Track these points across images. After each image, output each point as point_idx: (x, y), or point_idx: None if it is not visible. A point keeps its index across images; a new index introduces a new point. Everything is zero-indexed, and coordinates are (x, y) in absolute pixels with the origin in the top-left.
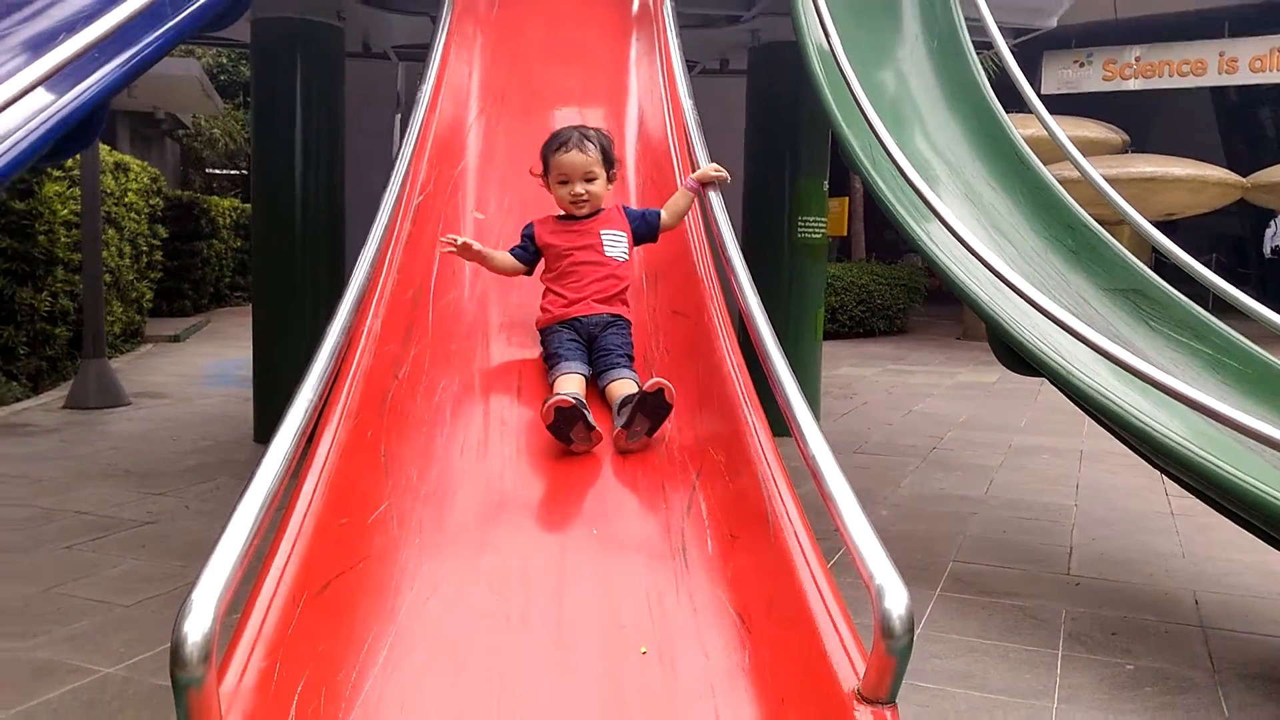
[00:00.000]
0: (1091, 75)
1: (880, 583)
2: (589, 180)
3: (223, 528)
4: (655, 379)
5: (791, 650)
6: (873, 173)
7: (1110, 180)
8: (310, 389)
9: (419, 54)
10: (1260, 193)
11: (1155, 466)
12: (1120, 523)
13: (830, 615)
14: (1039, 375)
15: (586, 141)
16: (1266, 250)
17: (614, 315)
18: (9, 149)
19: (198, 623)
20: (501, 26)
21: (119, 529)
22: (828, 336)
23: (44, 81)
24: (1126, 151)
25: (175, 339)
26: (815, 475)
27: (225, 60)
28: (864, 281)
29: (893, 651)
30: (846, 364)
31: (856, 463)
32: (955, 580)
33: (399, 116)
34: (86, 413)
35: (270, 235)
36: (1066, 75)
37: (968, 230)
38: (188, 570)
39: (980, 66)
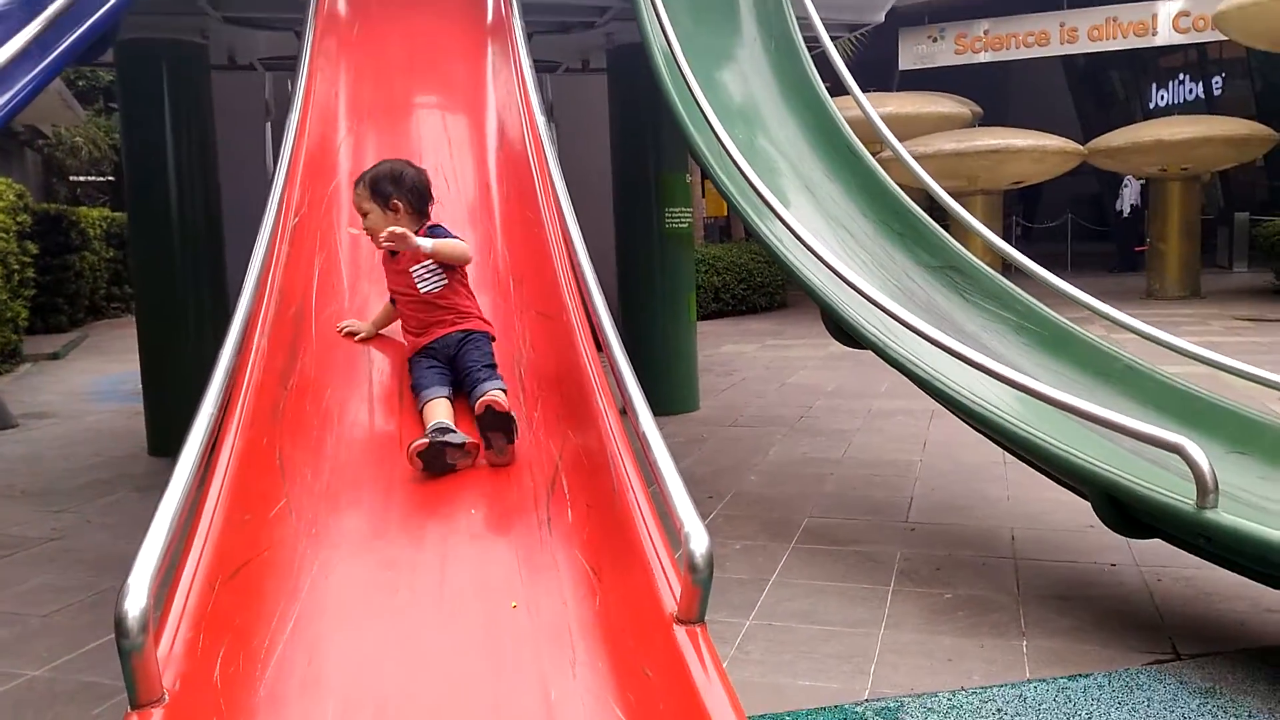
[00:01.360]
0: (945, 50)
1: (688, 530)
2: (365, 216)
3: (147, 525)
4: (483, 398)
5: (631, 592)
6: (719, 171)
7: (959, 154)
8: (210, 403)
9: (284, 64)
10: (1101, 157)
11: (969, 424)
12: (957, 474)
13: (660, 561)
14: (864, 349)
15: (355, 185)
16: (1122, 209)
17: (465, 331)
18: None
19: (135, 599)
20: (363, 44)
21: (24, 547)
22: (712, 316)
23: None
24: (976, 124)
25: (55, 356)
26: (644, 447)
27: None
28: (744, 261)
29: (697, 582)
30: (729, 341)
31: (731, 435)
32: (808, 534)
33: (269, 124)
34: None
35: (150, 252)
36: (921, 51)
37: (800, 224)
38: (99, 580)
39: (813, 65)
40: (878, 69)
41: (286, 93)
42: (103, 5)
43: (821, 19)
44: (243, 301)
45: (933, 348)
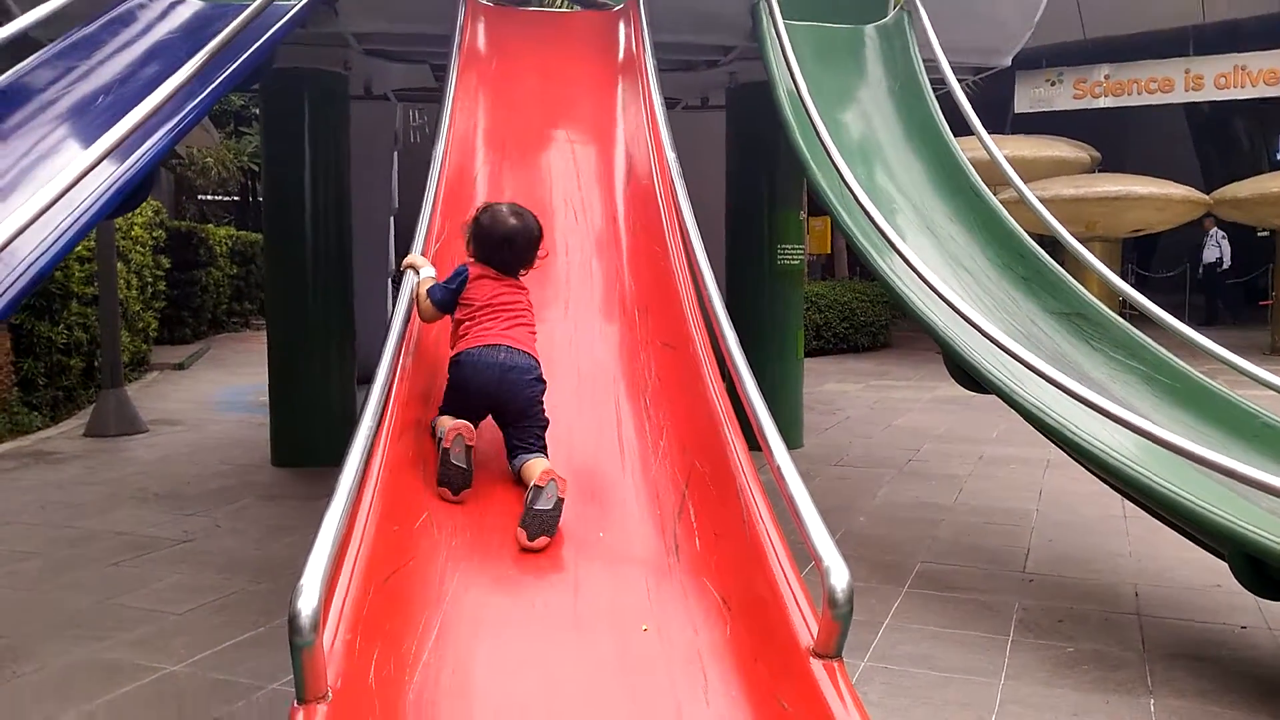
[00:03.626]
0: (1062, 94)
1: (828, 564)
2: None
3: (315, 532)
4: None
5: (762, 622)
6: (839, 209)
7: (1078, 199)
8: (370, 416)
9: (415, 95)
10: (1226, 207)
11: (1096, 475)
12: (1076, 526)
13: (793, 593)
14: (988, 393)
15: None
16: (1222, 261)
17: None
18: (80, 216)
19: (308, 599)
20: (501, 79)
21: (158, 547)
22: (813, 353)
23: (107, 156)
24: (1095, 170)
25: (180, 366)
26: (780, 482)
27: None
28: (847, 299)
29: (837, 617)
30: (831, 380)
31: (837, 474)
32: (921, 578)
33: (397, 151)
34: (107, 440)
35: (283, 271)
36: (1038, 94)
37: (922, 262)
38: (229, 582)
39: (938, 107)
40: (991, 111)
41: (411, 122)
42: (260, 38)
43: (929, 62)
44: (395, 323)
45: (1059, 394)
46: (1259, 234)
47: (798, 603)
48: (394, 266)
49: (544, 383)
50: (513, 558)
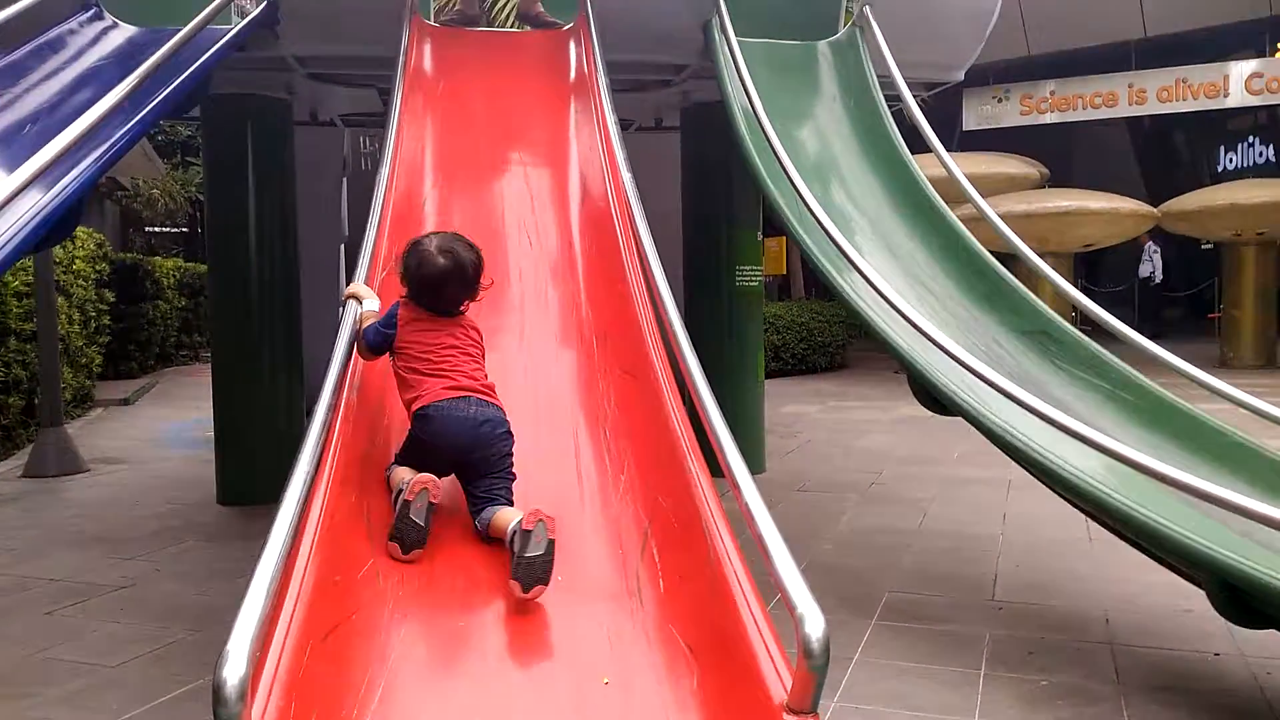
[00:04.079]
0: (1009, 110)
1: (802, 611)
2: None
3: (246, 586)
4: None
5: (732, 673)
6: (798, 227)
7: (1029, 215)
8: (307, 460)
9: (363, 120)
10: (1173, 220)
11: (1063, 498)
12: (1041, 550)
13: (764, 642)
14: (953, 415)
15: None
16: (1153, 277)
17: None
18: (4, 246)
19: (234, 668)
20: (448, 100)
21: (95, 594)
22: (771, 375)
23: (27, 185)
24: (1045, 185)
25: (125, 402)
26: (749, 522)
27: (161, 123)
28: (805, 319)
29: (813, 669)
30: (790, 402)
31: (800, 500)
32: (890, 610)
33: (345, 178)
34: (46, 480)
35: (227, 302)
36: (986, 111)
37: (885, 281)
38: (167, 631)
39: (894, 123)
40: (939, 128)
41: (362, 149)
42: (193, 63)
43: (884, 78)
44: (336, 356)
45: (1025, 415)
46: (1203, 245)
47: (769, 651)
48: (343, 294)
49: (513, 436)
50: (462, 606)
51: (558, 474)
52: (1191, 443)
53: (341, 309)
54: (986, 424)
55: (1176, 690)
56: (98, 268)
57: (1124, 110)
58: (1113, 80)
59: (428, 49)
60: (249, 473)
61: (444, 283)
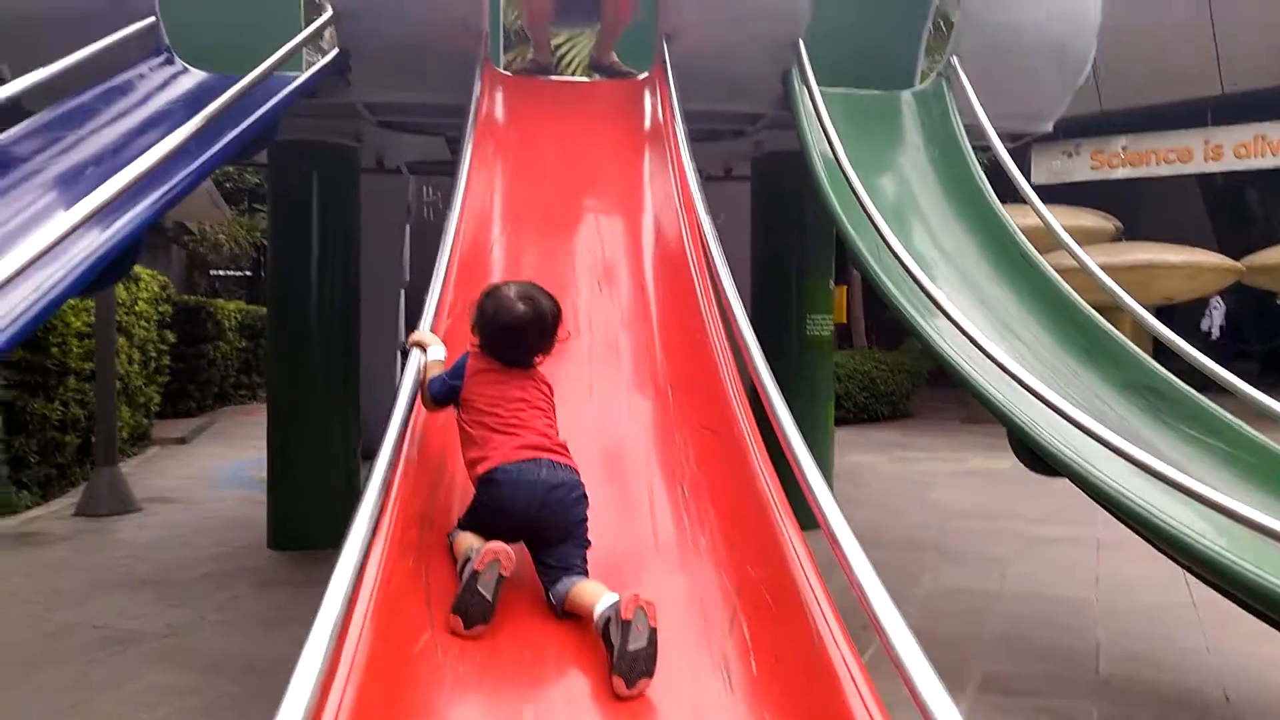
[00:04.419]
0: (1080, 165)
1: (938, 716)
2: None
3: (289, 675)
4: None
5: None
6: (880, 274)
7: (1108, 268)
8: (364, 522)
9: (428, 168)
10: (1256, 275)
11: (1181, 565)
12: (1141, 616)
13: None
14: (1059, 475)
15: None
16: (1211, 331)
17: None
18: (57, 285)
19: None
20: (519, 148)
21: (139, 642)
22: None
23: (87, 221)
24: (1119, 239)
25: (182, 441)
26: (860, 595)
27: (229, 169)
28: (867, 368)
29: None
30: (854, 451)
31: (877, 559)
32: (986, 684)
33: (409, 226)
34: (98, 520)
35: (287, 347)
36: (1055, 166)
37: (975, 328)
38: (210, 684)
39: (982, 172)
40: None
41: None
42: (261, 108)
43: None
44: (398, 408)
45: (1138, 475)
46: (1277, 302)
47: None
48: (403, 340)
49: (587, 499)
50: (529, 688)
51: (632, 538)
52: None
53: (401, 356)
54: (1098, 485)
55: None
56: (161, 309)
57: (1198, 166)
58: (1188, 136)
59: (499, 96)
60: (301, 517)
61: (522, 331)
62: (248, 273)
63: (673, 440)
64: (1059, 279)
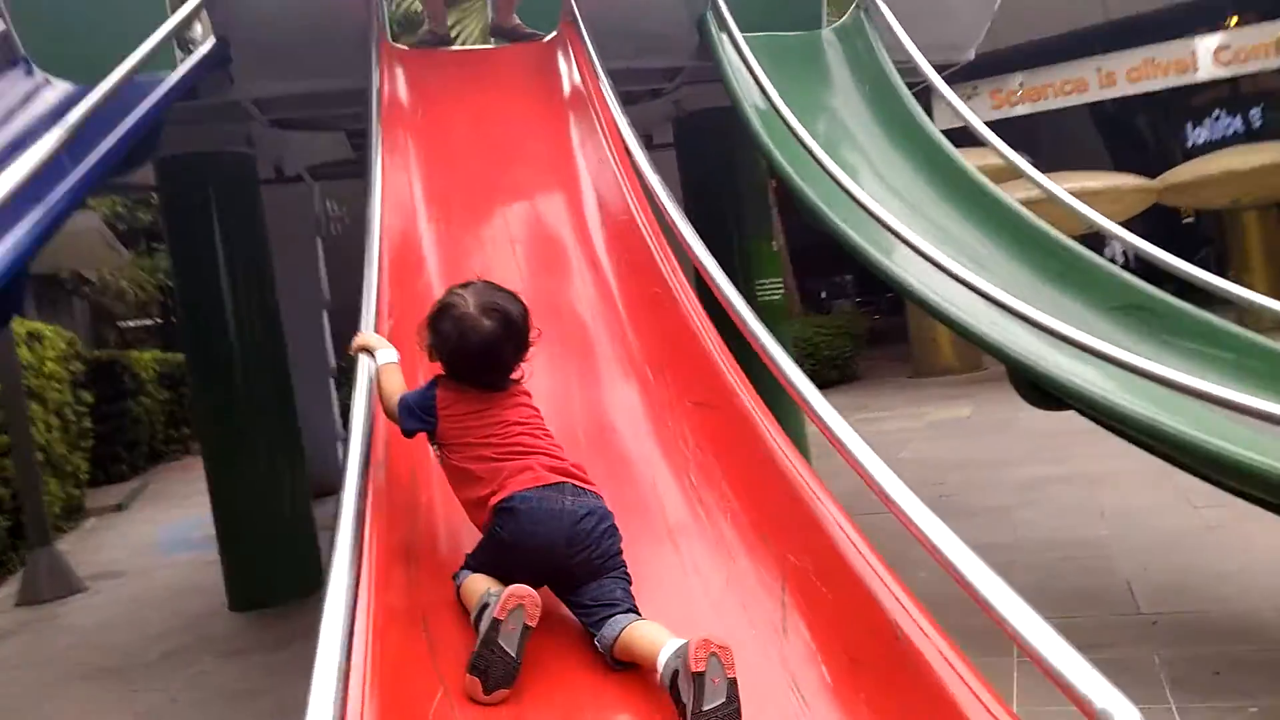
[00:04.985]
0: (980, 106)
1: (1104, 707)
2: None
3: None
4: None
5: None
6: (840, 223)
7: (1031, 203)
8: (342, 574)
9: (333, 171)
10: (1172, 194)
11: (1216, 483)
12: (1162, 547)
13: None
14: (1067, 409)
15: None
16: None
17: None
18: None
19: None
20: (433, 127)
21: None
22: None
23: None
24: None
25: (119, 508)
26: (959, 578)
27: (120, 209)
28: (808, 335)
29: None
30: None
31: (870, 524)
32: None
33: (320, 238)
34: (42, 607)
35: (210, 386)
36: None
37: (956, 264)
38: None
39: (918, 105)
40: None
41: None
42: (137, 110)
43: (901, 62)
44: (356, 426)
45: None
46: (1184, 220)
47: None
48: (333, 363)
49: (618, 529)
50: None
51: (645, 542)
52: None
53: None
54: (1117, 409)
55: None
56: (71, 368)
57: (1095, 94)
58: (1081, 66)
59: (401, 75)
60: (260, 573)
61: (497, 351)
62: (158, 320)
63: (665, 424)
64: (1021, 208)
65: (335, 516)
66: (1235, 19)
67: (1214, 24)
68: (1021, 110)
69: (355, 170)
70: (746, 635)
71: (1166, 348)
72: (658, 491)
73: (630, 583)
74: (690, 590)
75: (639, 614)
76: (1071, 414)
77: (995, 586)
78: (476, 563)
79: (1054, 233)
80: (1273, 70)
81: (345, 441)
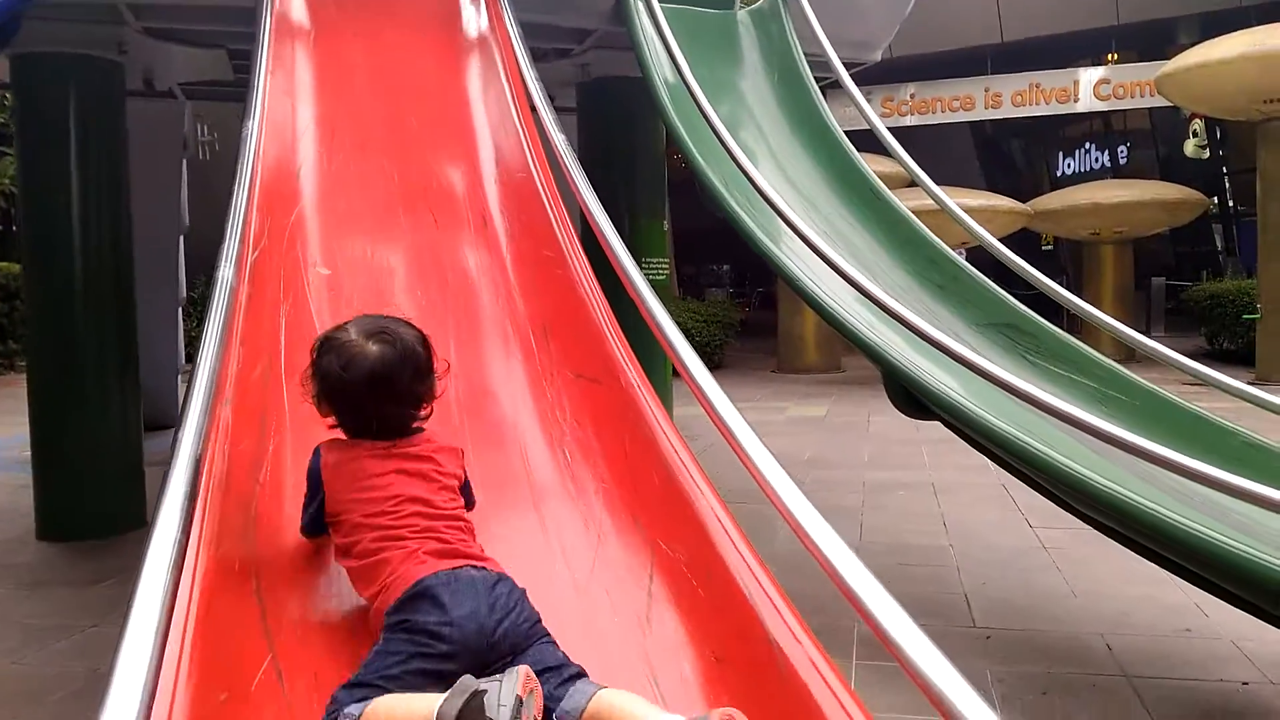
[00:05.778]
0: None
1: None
2: None
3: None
4: None
5: None
6: (735, 206)
7: (919, 212)
8: (174, 508)
9: (206, 91)
10: (1040, 219)
11: (1064, 506)
12: (1000, 563)
13: None
14: (934, 419)
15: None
16: None
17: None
18: None
19: None
20: (326, 56)
21: None
22: None
23: None
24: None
25: None
26: (839, 583)
27: None
28: (682, 319)
29: None
30: (676, 404)
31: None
32: (865, 645)
33: (185, 160)
34: None
35: (47, 299)
36: (849, 113)
37: (844, 261)
38: None
39: (823, 99)
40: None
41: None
42: None
43: (811, 55)
44: (206, 353)
45: (1022, 415)
46: (1044, 246)
47: None
48: (184, 293)
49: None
50: None
51: (510, 518)
52: (1199, 444)
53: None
54: (988, 426)
55: None
56: None
57: (980, 114)
58: (970, 84)
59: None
60: (77, 503)
61: (389, 379)
62: None
63: (543, 394)
64: (910, 214)
65: (170, 453)
66: (1114, 55)
67: (1097, 58)
68: (910, 121)
69: (233, 93)
70: (609, 623)
71: (1033, 369)
72: (529, 464)
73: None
74: (554, 571)
75: (586, 677)
76: (921, 423)
77: (875, 593)
78: (384, 680)
79: (940, 244)
80: (1143, 109)
81: (190, 374)
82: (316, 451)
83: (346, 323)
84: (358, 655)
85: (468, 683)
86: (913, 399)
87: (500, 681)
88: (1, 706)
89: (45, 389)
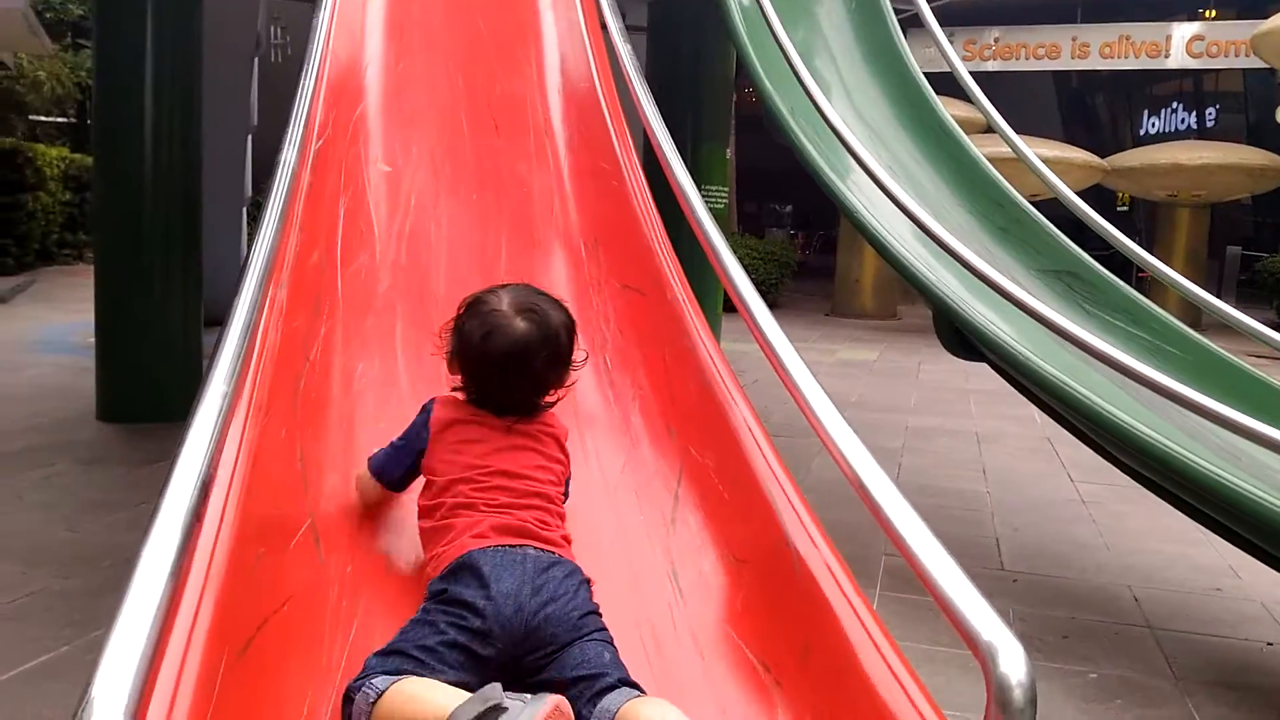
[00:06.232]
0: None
1: (990, 640)
2: None
3: (123, 596)
4: None
5: (837, 707)
6: (800, 135)
7: (993, 158)
8: (220, 379)
9: None
10: (1116, 176)
11: (1109, 458)
12: (1035, 511)
13: (894, 674)
14: (982, 360)
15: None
16: None
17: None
18: None
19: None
20: None
21: None
22: None
23: None
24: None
25: (0, 300)
26: (867, 498)
27: None
28: (739, 254)
29: None
30: (726, 339)
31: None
32: (892, 576)
33: (257, 60)
34: None
35: (115, 189)
36: (928, 54)
37: (907, 197)
38: (29, 578)
39: (900, 32)
40: None
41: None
42: None
43: None
44: (263, 236)
45: (1074, 363)
46: (1119, 208)
47: (905, 690)
48: (249, 193)
49: (589, 581)
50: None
51: None
52: (1248, 400)
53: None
54: (1037, 371)
55: (1238, 688)
56: None
57: (1066, 63)
58: (1057, 31)
59: None
60: (135, 388)
61: (526, 357)
62: (72, 118)
63: (590, 303)
64: (979, 154)
65: (223, 325)
66: (1213, 12)
67: (1193, 13)
68: (991, 66)
69: None
70: (634, 521)
71: (1088, 317)
72: None
73: (612, 642)
74: (587, 473)
75: (638, 687)
76: (970, 373)
77: (910, 521)
78: (419, 651)
79: (1006, 186)
80: (1237, 70)
81: (243, 266)
82: (430, 403)
83: (500, 287)
84: (392, 534)
85: (491, 694)
86: (962, 339)
87: (526, 704)
88: (58, 567)
89: (111, 280)
